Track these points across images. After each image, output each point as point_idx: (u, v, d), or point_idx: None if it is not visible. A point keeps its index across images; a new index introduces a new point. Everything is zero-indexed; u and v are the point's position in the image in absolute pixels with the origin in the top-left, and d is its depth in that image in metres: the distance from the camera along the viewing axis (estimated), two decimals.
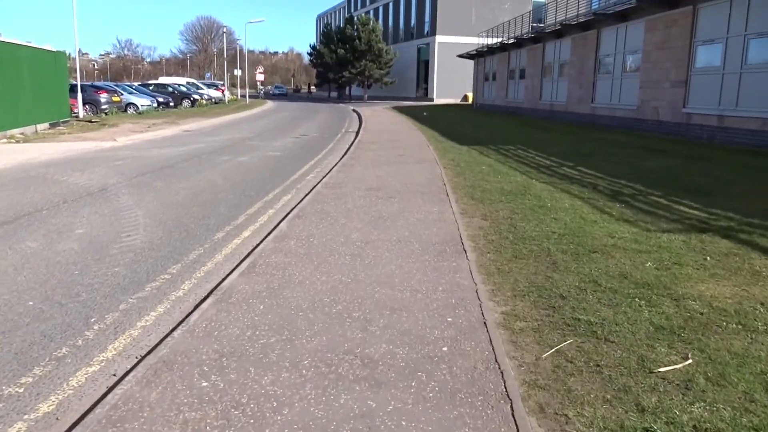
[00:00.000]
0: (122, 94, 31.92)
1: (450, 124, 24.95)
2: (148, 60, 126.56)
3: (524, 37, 30.55)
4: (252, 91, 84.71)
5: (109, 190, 9.38)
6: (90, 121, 24.17)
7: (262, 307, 4.20)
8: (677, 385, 3.06)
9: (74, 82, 29.11)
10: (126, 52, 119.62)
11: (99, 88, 30.56)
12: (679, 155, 12.71)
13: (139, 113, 30.31)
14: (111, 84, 35.93)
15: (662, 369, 3.20)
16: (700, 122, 16.02)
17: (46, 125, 20.45)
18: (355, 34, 54.19)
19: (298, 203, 8.10)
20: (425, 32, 57.76)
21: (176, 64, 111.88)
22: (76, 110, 26.35)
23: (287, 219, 7.04)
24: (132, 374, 3.26)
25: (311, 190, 9.14)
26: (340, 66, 55.32)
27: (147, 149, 15.23)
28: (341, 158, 13.25)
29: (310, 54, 65.45)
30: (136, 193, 9.15)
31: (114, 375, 3.51)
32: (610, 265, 5.00)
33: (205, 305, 4.26)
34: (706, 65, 16.13)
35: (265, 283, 4.72)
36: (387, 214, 7.21)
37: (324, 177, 10.39)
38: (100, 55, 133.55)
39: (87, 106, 28.66)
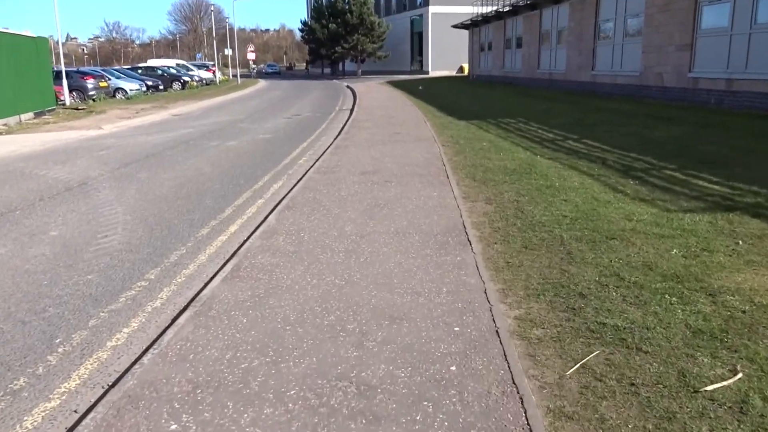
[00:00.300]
0: (110, 79, 31.14)
1: (447, 97, 24.29)
2: (138, 42, 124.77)
3: (520, 3, 29.67)
4: (244, 71, 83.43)
5: (90, 183, 8.86)
6: (77, 109, 23.53)
7: (245, 320, 3.73)
8: (729, 408, 2.60)
9: (59, 69, 28.40)
10: (114, 35, 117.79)
11: (85, 74, 29.77)
12: (688, 123, 12.15)
13: (128, 98, 29.58)
14: (98, 69, 35.12)
15: (709, 387, 2.74)
16: (708, 87, 15.41)
17: (30, 115, 19.82)
18: (347, 7, 53.02)
19: (289, 191, 7.59)
20: (418, 3, 56.54)
21: (166, 46, 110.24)
22: (62, 98, 25.68)
23: (276, 211, 6.54)
24: (91, 416, 2.80)
25: (303, 176, 8.63)
26: (333, 41, 54.25)
27: (133, 136, 14.66)
28: (335, 139, 12.70)
29: (301, 30, 64.26)
30: (118, 186, 8.64)
31: (75, 411, 3.05)
32: (632, 254, 4.52)
33: (182, 320, 3.79)
34: (713, 27, 15.45)
35: (250, 289, 4.24)
36: (384, 200, 6.70)
37: (317, 161, 9.87)
38: (89, 39, 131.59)
39: (74, 93, 27.95)
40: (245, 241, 5.53)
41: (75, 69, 33.19)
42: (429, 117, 16.26)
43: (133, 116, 20.19)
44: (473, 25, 39.73)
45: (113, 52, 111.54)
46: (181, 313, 4.00)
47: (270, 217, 6.29)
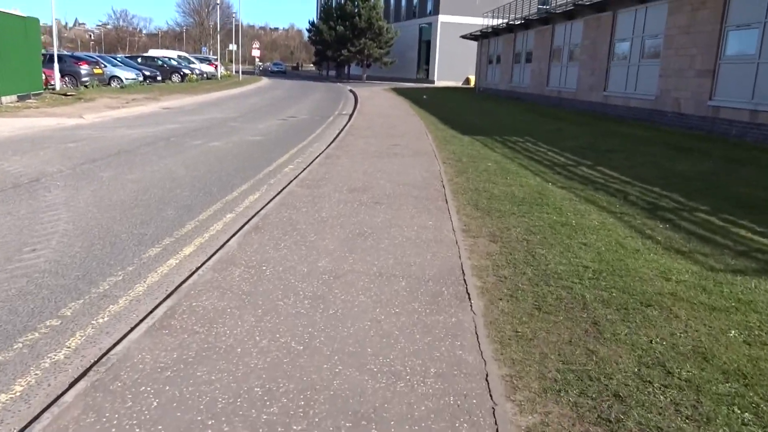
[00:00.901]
0: (105, 66, 30.17)
1: (451, 109, 23.33)
2: (145, 32, 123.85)
3: (532, 17, 28.79)
4: (249, 67, 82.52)
5: (43, 181, 7.83)
6: (65, 95, 22.51)
7: (155, 403, 2.70)
8: None
9: (51, 52, 27.39)
10: (121, 23, 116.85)
11: (79, 59, 28.75)
12: (713, 156, 11.17)
13: (122, 87, 28.59)
14: (94, 55, 34.10)
15: None
16: (729, 117, 14.46)
17: (13, 98, 18.79)
18: (356, 10, 52.14)
19: (263, 207, 6.58)
20: (428, 11, 55.74)
21: (173, 37, 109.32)
22: (53, 82, 24.67)
23: (242, 232, 5.52)
24: None
25: (284, 188, 7.61)
26: (339, 44, 53.34)
27: (113, 129, 13.64)
28: (328, 146, 11.69)
29: (309, 30, 63.39)
30: (74, 186, 7.61)
31: None
32: (677, 333, 3.52)
33: (69, 395, 2.77)
34: (739, 53, 14.52)
35: (178, 349, 3.22)
36: (370, 228, 5.69)
37: (303, 171, 8.86)
38: (97, 25, 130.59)
39: (66, 78, 26.96)
40: (194, 272, 4.51)
41: (69, 53, 32.18)
42: (431, 129, 15.28)
43: (121, 106, 19.19)
44: (482, 36, 38.88)
45: (119, 40, 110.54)
46: (77, 381, 2.97)
47: (232, 240, 5.26)
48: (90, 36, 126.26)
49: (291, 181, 8.04)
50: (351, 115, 19.26)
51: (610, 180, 8.61)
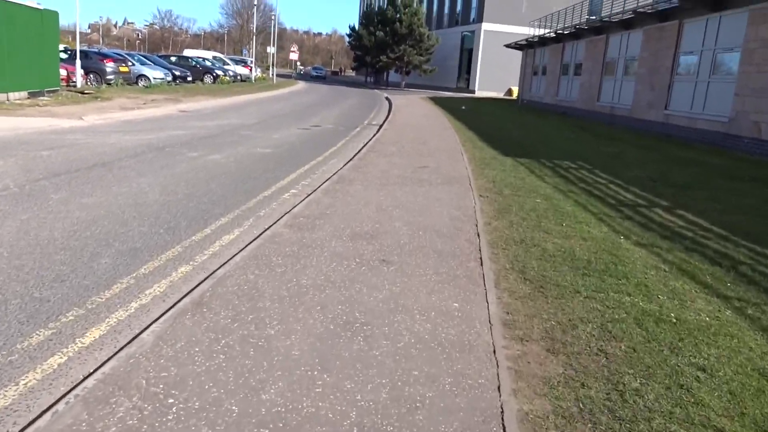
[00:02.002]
0: (133, 65, 29.13)
1: (492, 123, 21.32)
2: (187, 32, 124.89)
3: (584, 26, 26.56)
4: (290, 71, 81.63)
5: None
6: (82, 93, 21.33)
7: None
8: None
9: (80, 49, 26.38)
10: (166, 23, 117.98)
11: (105, 56, 27.74)
12: None
13: (147, 87, 27.40)
14: (122, 52, 33.18)
15: None
16: None
17: (22, 95, 17.59)
18: (397, 16, 50.47)
19: (228, 261, 4.77)
20: (471, 19, 53.69)
21: (215, 39, 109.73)
22: (75, 79, 23.61)
23: (172, 313, 3.71)
24: None
25: (267, 228, 5.81)
26: (379, 49, 51.75)
27: (108, 134, 12.11)
28: (344, 165, 9.89)
29: (349, 35, 62.05)
30: (3, 211, 5.95)
31: None
32: None
33: None
34: None
35: None
36: (364, 312, 3.82)
37: (302, 201, 7.05)
38: (145, 25, 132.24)
39: (91, 75, 25.96)
40: (56, 402, 2.71)
41: (95, 50, 31.30)
42: (468, 147, 13.33)
43: (136, 107, 17.82)
44: (528, 46, 36.72)
45: (162, 39, 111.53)
46: None
47: (147, 333, 3.45)
48: (138, 35, 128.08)
49: (281, 217, 6.22)
50: (380, 126, 17.45)
51: (700, 232, 6.54)
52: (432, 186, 8.31)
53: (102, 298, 4.11)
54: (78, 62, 23.59)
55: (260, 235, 5.55)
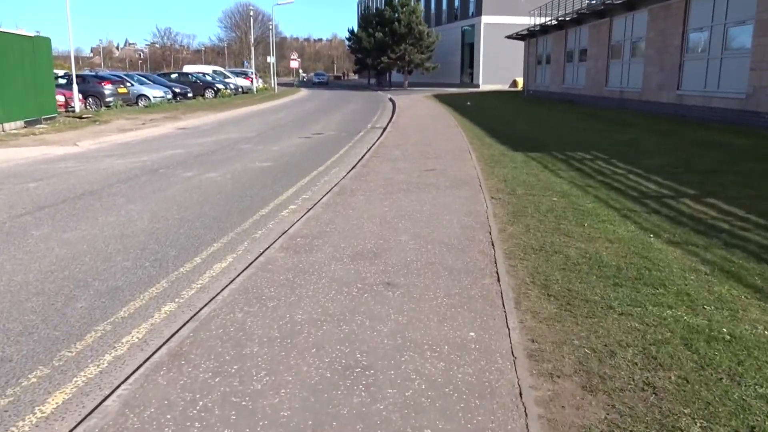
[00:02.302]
0: (132, 85, 28.87)
1: (498, 117, 20.73)
2: (192, 48, 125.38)
3: (586, 11, 25.87)
4: (292, 79, 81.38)
5: None
6: (80, 118, 21.03)
7: None
8: None
9: (79, 73, 26.15)
10: (165, 40, 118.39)
11: (103, 79, 27.50)
12: None
13: (147, 107, 27.10)
14: (120, 74, 32.94)
15: None
16: None
17: (18, 124, 17.29)
18: (395, 16, 49.95)
19: (215, 296, 4.27)
20: (470, 13, 53.09)
21: (216, 53, 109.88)
22: (73, 104, 23.34)
23: (145, 368, 3.22)
24: None
25: (262, 253, 5.31)
26: (379, 51, 51.27)
27: (101, 158, 11.71)
28: (346, 174, 9.40)
29: (348, 39, 61.64)
30: None
31: None
32: None
33: None
34: None
35: None
36: (366, 350, 3.31)
37: (300, 218, 6.56)
38: (145, 44, 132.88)
39: (90, 99, 25.71)
40: None
41: (93, 73, 31.07)
42: (476, 144, 12.78)
43: (134, 128, 17.48)
44: (530, 36, 36.04)
45: (164, 57, 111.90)
46: None
47: (112, 399, 2.95)
48: (139, 55, 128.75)
49: (277, 239, 5.73)
50: (384, 129, 16.95)
51: (737, 223, 5.95)
52: (439, 191, 7.78)
53: (72, 352, 3.64)
54: (75, 87, 23.29)
55: (253, 261, 5.05)
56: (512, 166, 9.81)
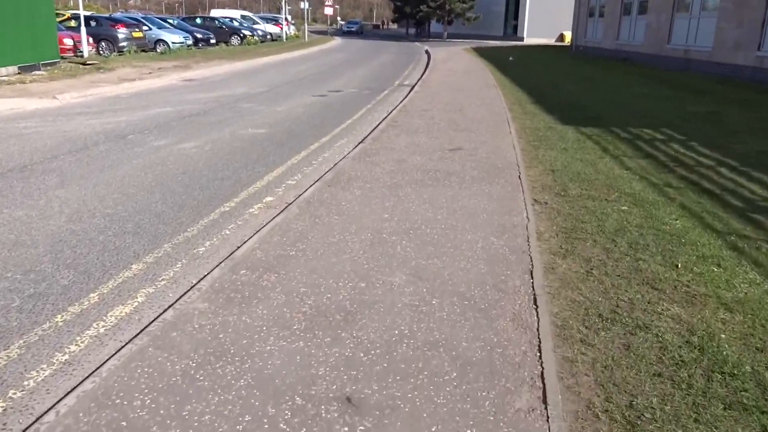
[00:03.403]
0: (150, 29, 27.03)
1: (544, 76, 18.27)
2: None
3: None
4: (330, 27, 78.29)
5: None
6: (84, 64, 19.35)
7: None
8: None
9: (88, 14, 24.45)
10: None
11: (117, 22, 25.61)
12: None
13: (162, 53, 25.27)
14: (138, 16, 31.06)
15: None
16: None
17: (11, 69, 15.68)
18: None
19: (53, 407, 2.46)
20: None
21: None
22: (81, 48, 21.66)
23: None
24: None
25: (176, 301, 3.48)
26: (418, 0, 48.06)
27: (72, 117, 9.97)
28: (351, 151, 7.47)
29: None
30: None
31: None
32: None
33: None
34: None
35: None
36: None
37: (265, 225, 4.68)
38: None
39: (103, 44, 24.01)
40: None
41: (106, 16, 29.21)
42: (516, 112, 10.61)
43: (137, 78, 15.73)
44: None
45: (200, 2, 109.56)
46: None
47: None
48: None
49: (211, 271, 3.88)
50: (412, 88, 14.80)
51: None
52: (464, 185, 5.78)
53: None
54: (83, 30, 21.56)
55: (148, 326, 3.21)
56: (561, 146, 7.70)
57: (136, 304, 3.58)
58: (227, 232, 4.79)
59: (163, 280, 3.91)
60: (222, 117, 10.23)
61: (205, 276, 3.78)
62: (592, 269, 3.81)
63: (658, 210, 5.02)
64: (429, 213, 4.93)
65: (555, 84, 15.85)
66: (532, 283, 3.57)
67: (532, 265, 3.83)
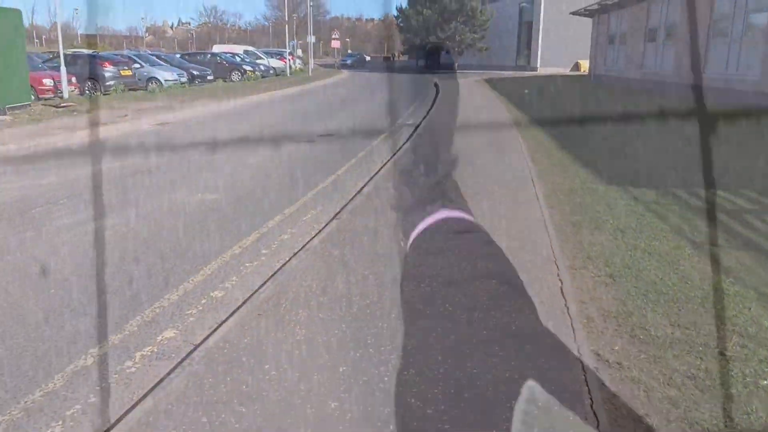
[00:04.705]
0: (141, 66, 25.48)
1: (569, 112, 16.11)
2: (237, 27, 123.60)
3: None
4: (332, 60, 77.35)
5: None
6: (57, 107, 17.61)
7: None
8: None
9: (78, 53, 22.91)
10: (212, 19, 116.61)
11: (104, 60, 24.03)
12: None
13: (152, 92, 23.56)
14: (128, 53, 29.58)
15: None
16: None
17: None
18: None
19: None
20: None
21: (261, 32, 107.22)
22: (62, 88, 20.00)
23: None
24: None
25: None
26: (427, 30, 46.57)
27: None
28: (316, 235, 5.29)
29: (396, 17, 57.12)
30: None
31: None
32: None
33: None
34: None
35: None
36: None
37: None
38: (198, 25, 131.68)
39: (88, 83, 22.38)
40: None
41: (93, 53, 27.72)
42: (542, 166, 8.42)
43: (109, 122, 13.96)
44: (600, 11, 30.74)
45: (209, 36, 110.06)
46: None
47: None
48: (192, 35, 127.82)
49: None
50: (415, 129, 12.66)
51: None
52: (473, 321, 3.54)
53: None
54: (63, 69, 19.90)
55: None
56: (612, 224, 5.45)
57: None
58: None
59: None
60: (173, 175, 8.17)
61: None
62: None
63: None
64: None
65: (584, 121, 13.67)
66: None
67: None
